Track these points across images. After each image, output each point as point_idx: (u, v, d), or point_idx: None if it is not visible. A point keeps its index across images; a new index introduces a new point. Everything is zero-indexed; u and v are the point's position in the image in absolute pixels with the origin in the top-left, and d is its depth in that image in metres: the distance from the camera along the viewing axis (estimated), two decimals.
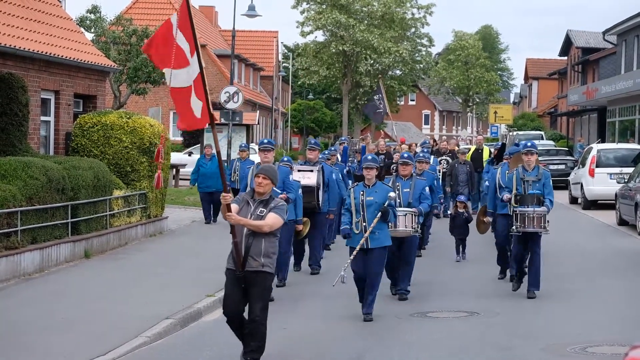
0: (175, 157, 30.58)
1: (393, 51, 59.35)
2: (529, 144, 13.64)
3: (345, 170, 19.74)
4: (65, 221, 16.48)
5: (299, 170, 15.04)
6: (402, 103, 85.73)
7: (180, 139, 44.08)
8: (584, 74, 55.58)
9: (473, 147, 27.54)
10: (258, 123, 44.69)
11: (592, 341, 10.43)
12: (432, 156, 22.53)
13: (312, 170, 15.15)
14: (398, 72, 63.96)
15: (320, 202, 15.21)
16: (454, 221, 17.62)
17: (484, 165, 22.25)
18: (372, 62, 60.54)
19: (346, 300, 12.62)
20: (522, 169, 13.45)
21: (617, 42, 45.02)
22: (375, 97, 30.53)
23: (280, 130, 68.17)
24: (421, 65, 65.81)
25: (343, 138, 25.88)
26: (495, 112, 59.89)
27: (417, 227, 13.10)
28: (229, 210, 8.75)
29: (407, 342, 10.67)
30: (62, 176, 16.44)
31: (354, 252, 11.60)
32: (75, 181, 16.91)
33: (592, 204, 27.87)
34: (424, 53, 65.63)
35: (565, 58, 63.33)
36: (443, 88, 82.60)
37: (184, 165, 35.00)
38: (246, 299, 9.02)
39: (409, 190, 13.24)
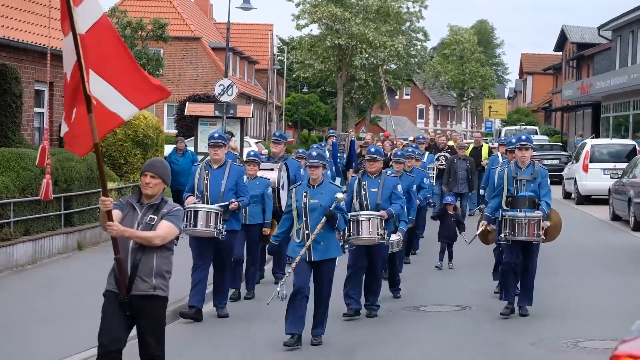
0: (169, 150, 30.46)
1: (388, 45, 59.31)
2: (523, 137, 11.74)
3: (333, 167, 18.05)
4: (58, 213, 16.47)
5: (260, 169, 13.04)
6: (397, 97, 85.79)
7: (174, 131, 43.96)
8: (578, 69, 55.63)
9: (471, 145, 25.38)
10: (252, 116, 44.64)
11: (584, 336, 10.45)
12: (427, 152, 21.21)
13: (272, 169, 13.25)
14: (393, 66, 63.92)
15: (282, 204, 13.05)
16: (441, 224, 15.75)
17: (485, 162, 21.31)
18: (367, 56, 60.50)
19: (334, 295, 12.63)
20: (514, 166, 11.56)
21: (612, 38, 45.06)
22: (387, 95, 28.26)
23: (274, 123, 68.10)
24: (416, 60, 65.79)
25: (332, 131, 23.25)
26: (490, 107, 59.90)
27: (385, 233, 11.25)
28: (110, 218, 6.84)
29: (399, 336, 10.67)
30: (55, 168, 16.41)
31: (293, 264, 9.87)
32: (68, 173, 16.89)
33: (586, 199, 27.92)
34: (419, 47, 65.59)
35: (560, 53, 63.37)
36: (438, 82, 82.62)
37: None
38: (129, 331, 7.23)
39: (377, 190, 11.38)
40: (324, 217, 9.83)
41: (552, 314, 11.88)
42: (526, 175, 11.46)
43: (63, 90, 6.96)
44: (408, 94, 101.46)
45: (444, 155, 22.62)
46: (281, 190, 13.17)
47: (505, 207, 11.42)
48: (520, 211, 11.30)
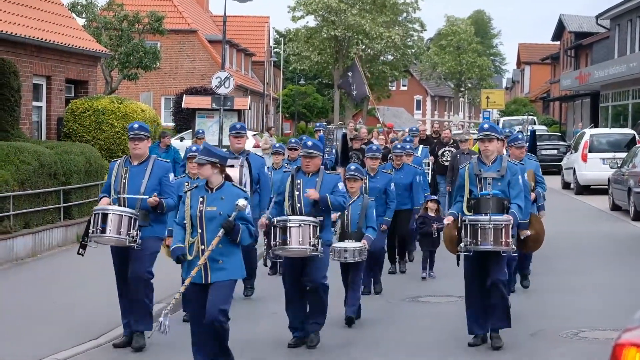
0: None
1: (385, 36, 59.25)
2: (485, 125, 9.64)
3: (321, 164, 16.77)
4: (57, 206, 16.47)
5: None
6: (394, 88, 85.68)
7: (171, 124, 43.94)
8: (576, 58, 55.59)
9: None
10: (249, 108, 44.55)
11: (584, 326, 10.43)
12: (421, 146, 19.06)
13: (232, 166, 11.21)
14: (390, 57, 63.87)
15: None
16: (421, 228, 13.85)
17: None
18: (363, 47, 60.42)
19: (334, 286, 12.64)
20: (478, 161, 9.51)
21: (610, 27, 45.01)
22: (348, 73, 25.58)
23: (271, 115, 68.06)
24: (413, 51, 65.72)
25: (319, 124, 21.54)
26: (488, 98, 59.91)
27: (319, 243, 9.29)
28: None
29: (398, 326, 10.67)
30: (54, 161, 16.42)
31: (182, 287, 8.01)
32: (67, 166, 16.88)
33: (585, 189, 27.91)
34: (415, 38, 65.58)
35: (558, 43, 63.31)
36: (435, 73, 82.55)
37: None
38: None
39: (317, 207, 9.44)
40: (221, 229, 7.88)
41: (551, 305, 11.88)
42: (491, 172, 9.37)
43: None
44: (405, 85, 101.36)
45: (449, 150, 20.02)
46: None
47: (467, 212, 9.35)
48: (484, 215, 9.19)
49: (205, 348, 8.04)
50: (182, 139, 38.55)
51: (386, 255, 13.27)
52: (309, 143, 9.64)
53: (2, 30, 18.58)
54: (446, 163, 19.55)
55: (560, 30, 61.11)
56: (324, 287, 9.63)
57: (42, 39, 20.17)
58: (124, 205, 9.23)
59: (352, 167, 10.88)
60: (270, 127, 26.13)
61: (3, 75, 18.00)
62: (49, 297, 11.86)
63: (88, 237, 9.24)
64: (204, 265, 7.90)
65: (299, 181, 9.53)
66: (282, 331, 9.88)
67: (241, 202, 7.91)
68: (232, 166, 11.16)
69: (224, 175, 8.11)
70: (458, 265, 9.67)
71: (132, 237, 9.14)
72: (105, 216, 9.11)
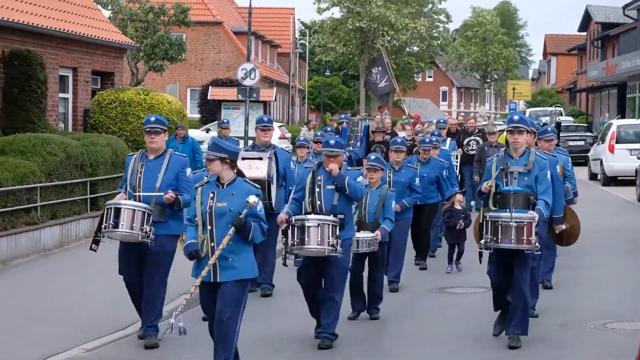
0: (193, 135, 30.59)
1: (410, 27, 59.01)
2: (515, 117, 9.26)
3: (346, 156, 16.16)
4: (84, 197, 16.55)
5: (243, 159, 10.76)
6: (420, 80, 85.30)
7: (197, 115, 44.01)
8: (603, 49, 55.13)
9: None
10: (275, 100, 44.57)
11: (612, 317, 10.36)
12: (448, 139, 18.54)
13: (260, 158, 11.11)
14: (415, 48, 63.61)
15: (273, 201, 11.07)
16: (448, 222, 13.74)
17: None
18: (389, 38, 60.21)
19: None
20: (505, 154, 9.21)
21: (637, 17, 44.57)
22: (373, 70, 25.32)
23: (297, 107, 68.06)
24: (438, 42, 65.45)
25: (343, 116, 21.38)
26: (514, 89, 59.56)
27: (338, 243, 9.04)
28: None
29: (423, 317, 10.68)
30: (80, 152, 16.50)
31: (192, 288, 7.77)
32: (93, 157, 16.96)
33: (612, 180, 27.69)
34: (441, 29, 65.26)
35: (585, 33, 62.79)
36: (461, 64, 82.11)
37: (201, 142, 34.95)
38: None
39: (334, 187, 9.25)
40: (232, 227, 7.63)
41: (579, 296, 11.81)
42: (518, 166, 9.05)
43: None
44: (431, 77, 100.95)
45: (475, 140, 19.83)
46: (272, 184, 11.03)
47: (492, 207, 9.10)
48: (507, 211, 8.90)
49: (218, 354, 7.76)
50: (208, 130, 38.59)
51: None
52: (331, 142, 9.35)
53: (28, 22, 18.67)
54: (472, 152, 19.39)
55: (586, 21, 60.60)
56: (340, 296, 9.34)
57: (68, 30, 20.26)
58: (139, 201, 9.00)
59: (372, 157, 10.69)
60: (309, 120, 25.76)
61: (29, 67, 18.08)
62: (74, 288, 11.92)
63: (101, 232, 9.06)
64: (213, 263, 7.64)
65: (319, 177, 9.26)
66: (299, 328, 9.79)
67: (252, 199, 7.62)
68: (260, 158, 11.03)
69: (235, 171, 7.83)
70: (480, 262, 9.43)
71: (146, 232, 8.90)
72: (118, 211, 8.92)
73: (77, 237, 15.91)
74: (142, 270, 9.15)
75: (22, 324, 9.97)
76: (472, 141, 19.85)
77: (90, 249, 9.22)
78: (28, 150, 15.36)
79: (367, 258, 10.44)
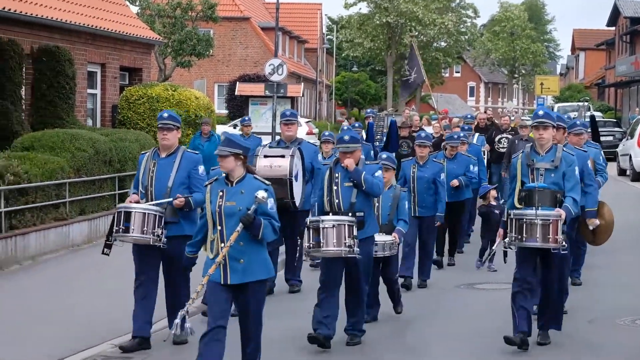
0: (221, 130, 30.69)
1: (438, 22, 58.78)
2: (540, 112, 8.97)
3: (371, 152, 15.56)
4: (112, 192, 16.62)
5: (265, 156, 10.74)
6: (447, 75, 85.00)
7: (225, 111, 44.09)
8: (632, 44, 54.64)
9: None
10: (302, 95, 44.59)
11: None
12: (476, 134, 18.26)
13: (282, 156, 10.74)
14: (443, 43, 63.34)
15: (296, 199, 10.75)
16: (487, 220, 13.47)
17: None
18: (416, 33, 59.99)
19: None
20: (531, 150, 8.92)
21: None
22: (407, 66, 24.72)
23: (324, 102, 68.00)
24: (466, 37, 65.13)
25: (369, 111, 20.68)
26: (542, 84, 59.14)
27: (355, 243, 8.74)
28: None
29: (450, 313, 10.66)
30: (109, 148, 16.57)
31: (198, 288, 7.39)
32: (122, 153, 17.03)
33: None
34: (469, 24, 64.91)
35: (613, 28, 62.27)
36: (488, 60, 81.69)
37: None
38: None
39: (351, 185, 8.95)
40: (240, 224, 7.30)
41: (608, 292, 11.72)
42: (544, 162, 8.76)
43: None
44: (458, 72, 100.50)
45: (507, 138, 19.03)
46: (294, 182, 10.68)
47: (518, 205, 8.79)
48: (533, 208, 8.62)
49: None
50: (235, 126, 38.64)
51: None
52: (346, 137, 9.01)
53: (57, 18, 18.78)
54: (502, 150, 18.69)
55: (615, 15, 60.10)
56: (365, 291, 9.17)
57: (96, 26, 20.34)
58: (152, 200, 8.81)
59: (384, 156, 10.41)
60: (345, 113, 24.86)
61: (58, 63, 18.16)
62: (102, 284, 11.96)
63: (112, 236, 8.89)
64: (223, 264, 7.32)
65: (337, 174, 8.96)
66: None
67: (260, 194, 7.26)
68: (282, 156, 10.68)
69: (245, 167, 7.51)
70: (505, 261, 9.20)
71: (157, 235, 8.71)
72: (128, 214, 8.73)
73: (105, 233, 15.91)
74: (158, 270, 9.00)
75: (53, 319, 10.02)
76: (503, 139, 19.18)
77: (103, 253, 9.02)
78: (57, 146, 15.46)
79: (381, 261, 10.14)
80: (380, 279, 10.27)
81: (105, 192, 16.36)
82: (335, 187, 8.95)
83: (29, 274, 12.64)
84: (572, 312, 10.30)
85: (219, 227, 7.38)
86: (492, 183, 17.80)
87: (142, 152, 9.42)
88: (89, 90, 20.67)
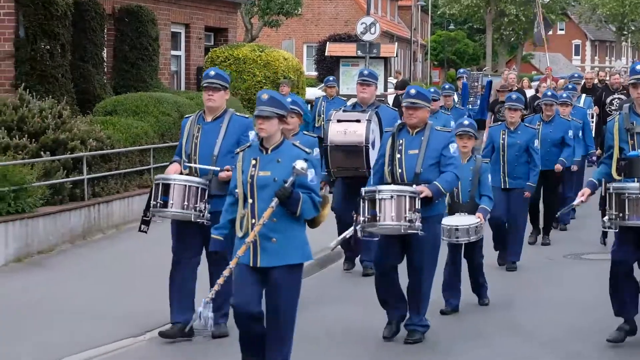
0: (310, 93, 30.15)
1: None
2: (638, 67, 7.78)
3: (465, 116, 13.44)
4: None
5: (339, 121, 9.86)
6: (551, 33, 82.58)
7: (314, 73, 43.49)
8: None
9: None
10: (396, 56, 43.60)
11: None
12: (583, 95, 16.34)
13: (358, 120, 9.82)
14: None
15: (372, 168, 9.19)
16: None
17: None
18: None
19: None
20: (630, 112, 7.77)
21: None
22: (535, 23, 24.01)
23: (419, 63, 67.04)
24: None
25: (461, 71, 19.67)
26: None
27: (417, 218, 7.57)
28: None
29: (557, 283, 10.51)
30: (194, 112, 16.13)
31: (226, 271, 6.50)
32: None
33: None
34: None
35: None
36: (595, 16, 79.24)
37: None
38: None
39: (417, 152, 7.83)
40: (274, 198, 6.38)
41: None
42: None
43: None
44: (562, 29, 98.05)
45: (619, 98, 17.15)
46: (370, 149, 9.73)
47: (616, 176, 7.67)
48: (635, 180, 7.50)
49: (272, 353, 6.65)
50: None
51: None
52: (412, 91, 7.91)
53: None
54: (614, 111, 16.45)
55: None
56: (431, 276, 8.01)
57: None
58: (195, 173, 7.89)
59: (466, 122, 9.25)
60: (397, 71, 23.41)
61: (141, 24, 17.91)
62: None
63: (150, 211, 7.95)
64: (253, 243, 6.37)
65: (400, 141, 7.83)
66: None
67: (299, 164, 6.29)
68: (358, 120, 9.80)
69: (282, 132, 6.59)
70: (604, 243, 8.24)
71: (200, 210, 7.75)
72: (167, 187, 7.79)
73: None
74: (199, 250, 8.05)
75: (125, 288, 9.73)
76: (615, 100, 17.47)
77: (140, 230, 8.13)
78: (140, 110, 15.24)
79: (463, 246, 9.08)
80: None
81: None
82: (398, 155, 7.85)
83: (113, 242, 12.42)
84: None
85: (250, 201, 6.41)
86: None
87: (186, 115, 8.40)
88: (173, 52, 20.45)
